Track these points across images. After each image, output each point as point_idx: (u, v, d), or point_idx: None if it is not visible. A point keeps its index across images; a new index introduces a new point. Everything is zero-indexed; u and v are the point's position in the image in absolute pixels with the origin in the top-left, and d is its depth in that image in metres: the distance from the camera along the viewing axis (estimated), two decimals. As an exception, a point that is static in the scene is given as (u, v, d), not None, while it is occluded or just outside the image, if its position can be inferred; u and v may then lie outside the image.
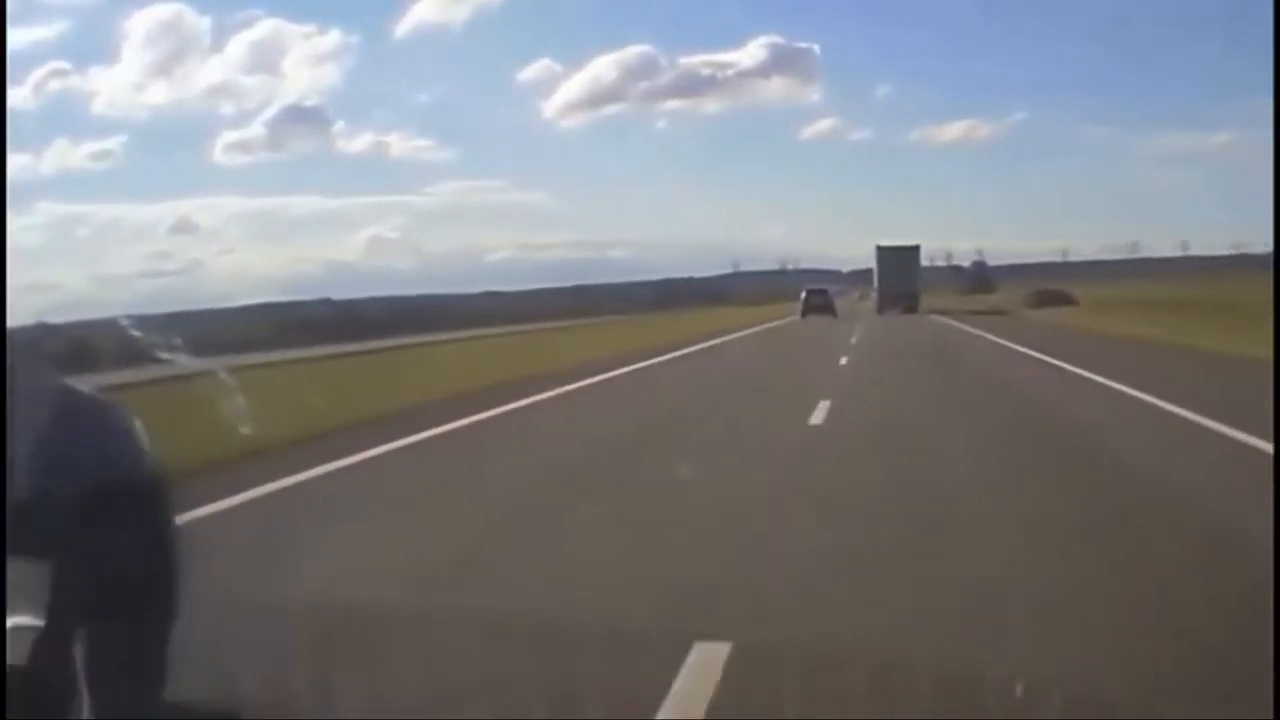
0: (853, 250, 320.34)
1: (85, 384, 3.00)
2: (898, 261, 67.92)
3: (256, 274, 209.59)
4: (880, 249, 70.27)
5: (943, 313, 62.91)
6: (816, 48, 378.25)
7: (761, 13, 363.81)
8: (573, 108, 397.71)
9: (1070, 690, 3.79)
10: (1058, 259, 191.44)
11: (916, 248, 70.30)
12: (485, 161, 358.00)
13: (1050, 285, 74.64)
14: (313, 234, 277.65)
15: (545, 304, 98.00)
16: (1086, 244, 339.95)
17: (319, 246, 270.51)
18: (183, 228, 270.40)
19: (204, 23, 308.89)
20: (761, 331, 43.91)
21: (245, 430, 8.49)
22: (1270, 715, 3.51)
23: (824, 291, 70.26)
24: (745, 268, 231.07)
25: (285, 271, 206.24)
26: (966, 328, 39.96)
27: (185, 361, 6.75)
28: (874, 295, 73.50)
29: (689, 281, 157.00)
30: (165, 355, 6.02)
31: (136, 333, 5.72)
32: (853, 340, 29.01)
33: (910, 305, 65.55)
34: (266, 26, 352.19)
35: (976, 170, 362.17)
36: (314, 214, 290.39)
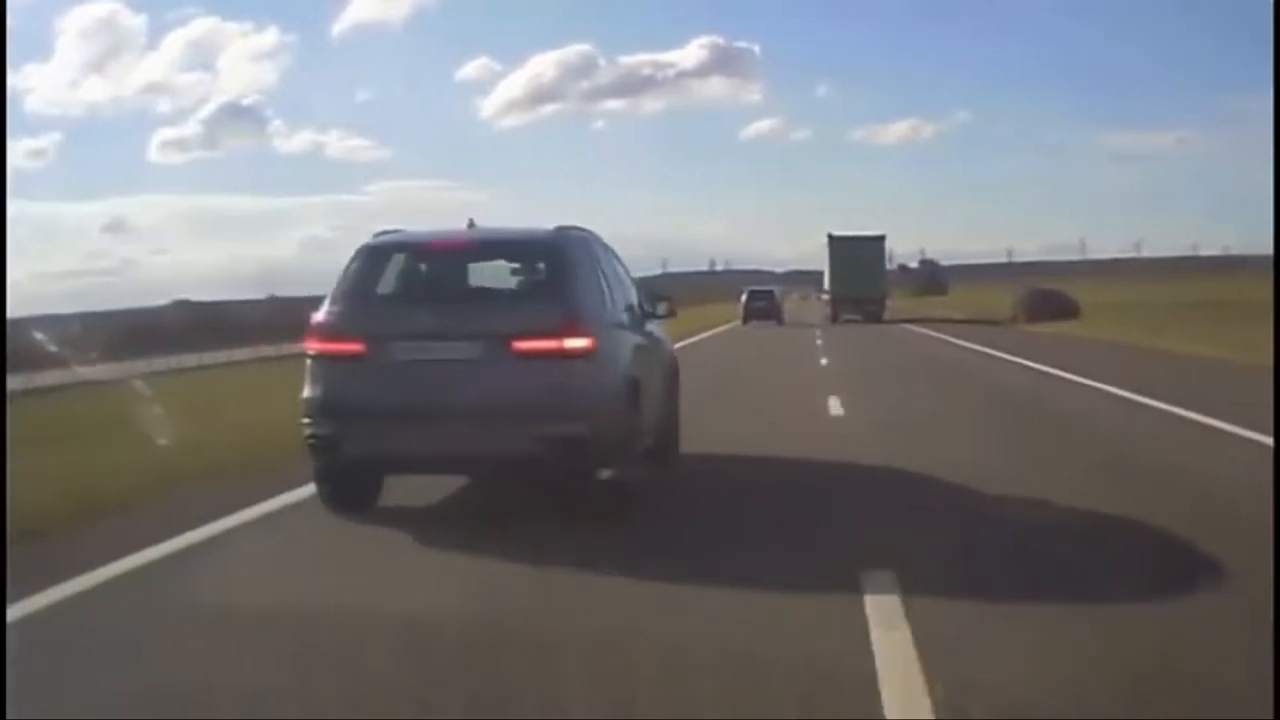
0: (789, 250, 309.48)
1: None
2: (856, 256, 51.62)
3: (190, 273, 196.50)
4: (834, 239, 53.68)
5: (915, 321, 49.34)
6: (756, 48, 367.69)
7: (701, 13, 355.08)
8: (512, 107, 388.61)
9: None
10: (1003, 259, 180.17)
11: (881, 238, 53.77)
12: (423, 161, 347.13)
13: (1039, 286, 57.16)
14: (249, 233, 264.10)
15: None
16: (1031, 244, 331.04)
17: (255, 246, 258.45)
18: (116, 226, 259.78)
19: (140, 20, 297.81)
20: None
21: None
22: (1270, 715, 3.55)
23: (769, 293, 55.55)
24: (674, 268, 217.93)
25: (220, 271, 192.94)
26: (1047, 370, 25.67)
27: None
28: (823, 298, 58.80)
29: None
30: None
31: None
32: (834, 410, 13.86)
33: (873, 312, 50.68)
34: (203, 25, 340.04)
35: (919, 170, 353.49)
36: (250, 213, 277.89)
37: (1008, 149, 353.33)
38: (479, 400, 6.65)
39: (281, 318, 60.74)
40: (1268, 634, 4.18)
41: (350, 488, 7.27)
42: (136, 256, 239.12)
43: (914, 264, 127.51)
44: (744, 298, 53.55)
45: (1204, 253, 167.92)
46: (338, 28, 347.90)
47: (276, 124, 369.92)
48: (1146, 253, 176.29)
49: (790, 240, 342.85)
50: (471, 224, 7.98)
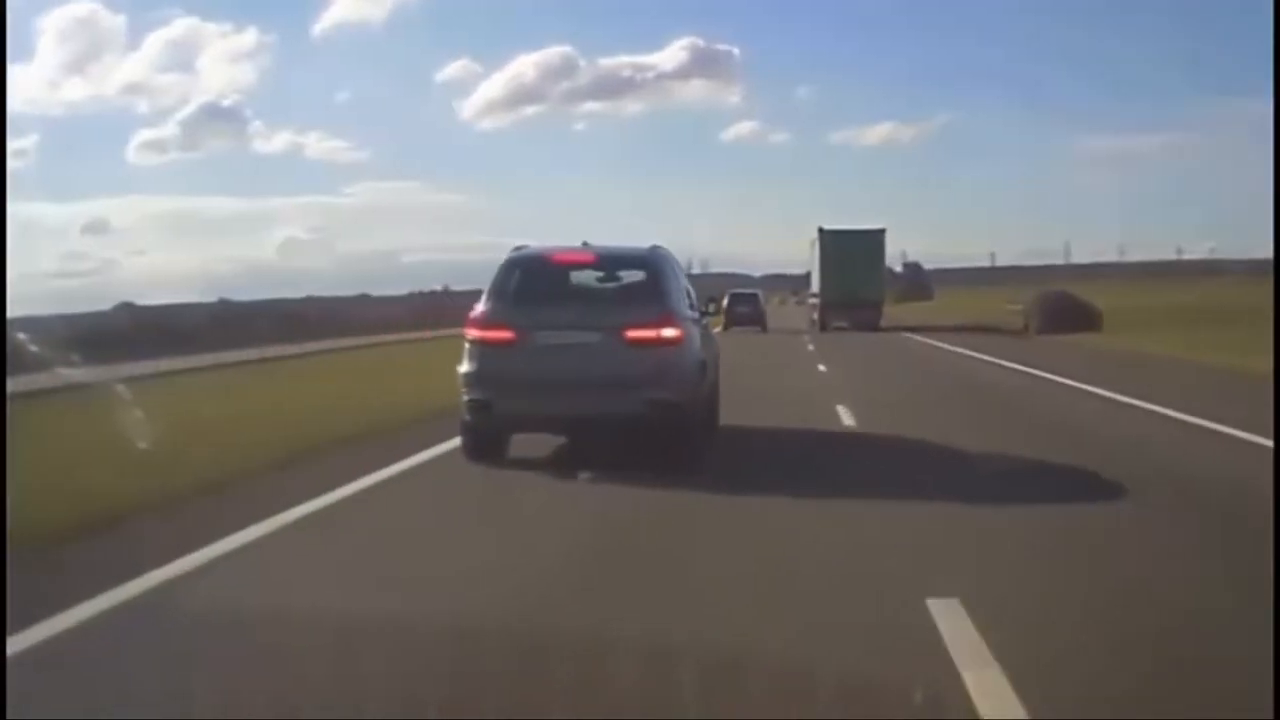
0: (768, 253, 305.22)
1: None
2: (852, 252, 44.83)
3: (170, 274, 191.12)
4: (825, 234, 46.44)
5: (918, 330, 43.66)
6: (736, 50, 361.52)
7: (682, 15, 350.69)
8: (492, 108, 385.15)
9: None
10: (985, 263, 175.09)
11: (880, 232, 46.47)
12: (403, 162, 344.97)
13: (1052, 289, 49.91)
14: (227, 234, 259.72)
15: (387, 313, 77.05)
16: (1014, 247, 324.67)
17: (233, 247, 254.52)
18: (96, 228, 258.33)
19: (119, 21, 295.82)
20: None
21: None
22: (1270, 715, 3.52)
23: (753, 296, 49.36)
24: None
25: (199, 272, 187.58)
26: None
27: None
28: (810, 302, 52.52)
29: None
30: None
31: None
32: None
33: (869, 318, 44.35)
34: (183, 25, 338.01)
35: (899, 172, 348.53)
36: (229, 214, 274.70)
37: (989, 151, 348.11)
38: (600, 375, 9.31)
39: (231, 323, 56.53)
40: None
41: (489, 443, 9.89)
42: (116, 257, 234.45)
43: (897, 267, 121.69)
44: (725, 301, 47.29)
45: (1188, 256, 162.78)
46: (318, 28, 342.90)
47: (256, 125, 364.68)
48: (1130, 257, 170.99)
49: (769, 243, 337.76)
50: (585, 244, 10.80)
